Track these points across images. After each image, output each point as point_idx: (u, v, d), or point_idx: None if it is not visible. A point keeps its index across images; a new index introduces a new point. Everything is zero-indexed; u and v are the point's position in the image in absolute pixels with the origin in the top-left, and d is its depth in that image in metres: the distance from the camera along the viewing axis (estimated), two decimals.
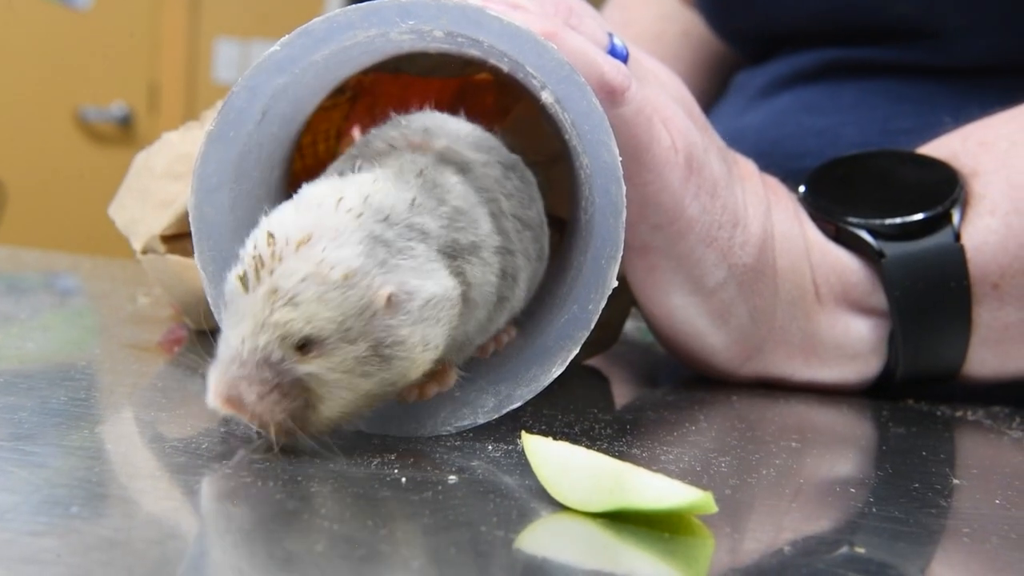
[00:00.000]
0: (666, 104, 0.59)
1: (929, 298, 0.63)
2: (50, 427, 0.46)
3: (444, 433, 0.49)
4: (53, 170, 3.13)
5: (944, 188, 0.64)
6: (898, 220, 0.64)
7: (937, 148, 0.68)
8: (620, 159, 0.48)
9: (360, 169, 0.47)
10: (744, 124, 0.87)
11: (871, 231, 0.64)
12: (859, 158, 0.70)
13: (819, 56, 0.85)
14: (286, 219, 0.43)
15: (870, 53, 0.82)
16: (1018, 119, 0.67)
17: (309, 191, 0.45)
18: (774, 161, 0.71)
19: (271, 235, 0.42)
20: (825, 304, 0.65)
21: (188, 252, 0.60)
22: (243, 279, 0.42)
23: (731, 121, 0.88)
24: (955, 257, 0.63)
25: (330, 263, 0.42)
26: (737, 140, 0.72)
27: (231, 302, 0.43)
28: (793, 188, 0.68)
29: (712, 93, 0.99)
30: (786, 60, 0.87)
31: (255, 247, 0.43)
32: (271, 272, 0.42)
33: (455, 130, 0.52)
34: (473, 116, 0.54)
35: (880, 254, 0.63)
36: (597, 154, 0.49)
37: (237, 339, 0.42)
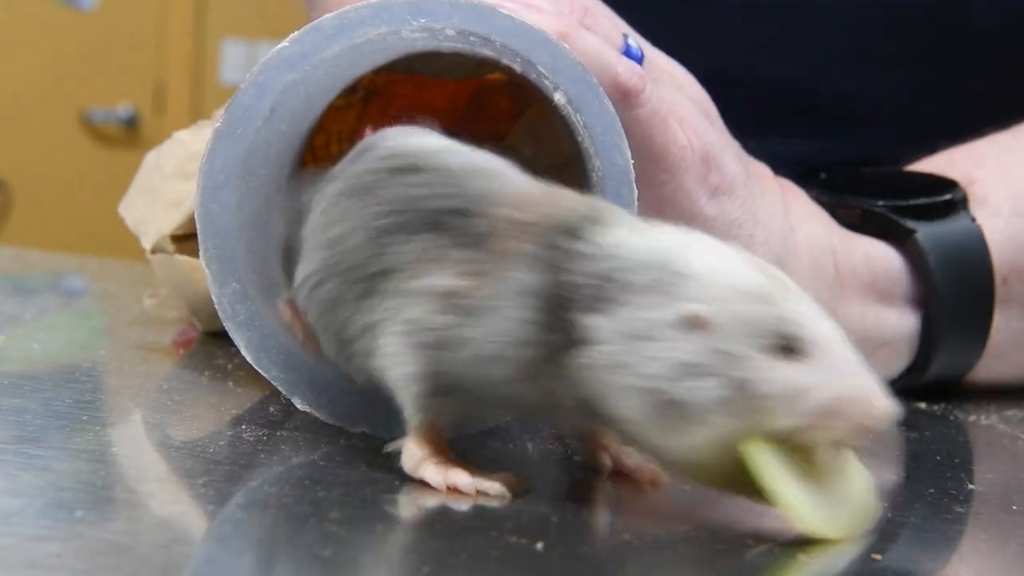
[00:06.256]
0: (682, 104, 0.58)
1: (958, 276, 0.63)
2: (55, 429, 0.45)
3: (452, 436, 0.48)
4: (58, 171, 3.13)
5: (947, 185, 0.65)
6: (923, 200, 0.64)
7: (924, 167, 0.68)
8: (632, 162, 0.48)
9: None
10: None
11: (897, 211, 0.64)
12: (855, 170, 0.70)
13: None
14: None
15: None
16: (999, 142, 0.69)
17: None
18: None
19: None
20: (851, 297, 0.64)
21: (197, 252, 0.60)
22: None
23: None
24: (976, 237, 0.64)
25: None
26: None
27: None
28: None
29: None
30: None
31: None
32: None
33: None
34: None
35: (910, 232, 0.63)
36: (609, 156, 0.48)
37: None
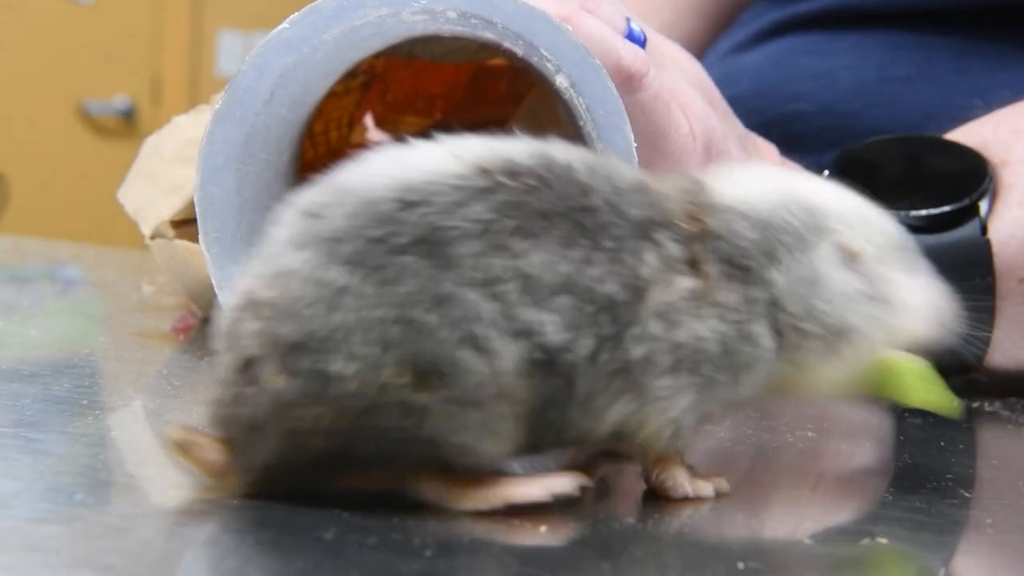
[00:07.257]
0: (684, 90, 0.58)
1: (953, 292, 0.62)
2: (54, 414, 0.45)
3: None
4: (56, 163, 3.12)
5: (973, 178, 0.63)
6: (924, 212, 0.63)
7: (968, 135, 0.67)
8: (635, 145, 0.48)
9: None
10: (742, 64, 0.85)
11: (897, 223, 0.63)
12: (887, 143, 0.68)
13: (818, 3, 0.83)
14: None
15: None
16: None
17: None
18: (769, 103, 0.70)
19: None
20: None
21: (197, 238, 0.60)
22: None
23: (727, 61, 0.86)
24: (981, 251, 0.62)
25: None
26: (734, 80, 0.71)
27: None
28: (786, 139, 0.67)
29: (708, 35, 0.94)
30: (785, 6, 0.86)
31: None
32: None
33: None
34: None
35: None
36: (611, 139, 0.48)
37: None
